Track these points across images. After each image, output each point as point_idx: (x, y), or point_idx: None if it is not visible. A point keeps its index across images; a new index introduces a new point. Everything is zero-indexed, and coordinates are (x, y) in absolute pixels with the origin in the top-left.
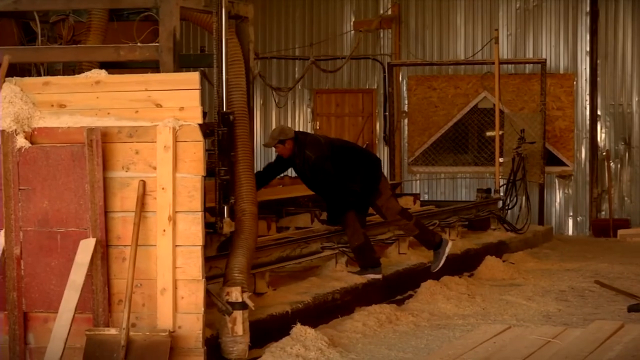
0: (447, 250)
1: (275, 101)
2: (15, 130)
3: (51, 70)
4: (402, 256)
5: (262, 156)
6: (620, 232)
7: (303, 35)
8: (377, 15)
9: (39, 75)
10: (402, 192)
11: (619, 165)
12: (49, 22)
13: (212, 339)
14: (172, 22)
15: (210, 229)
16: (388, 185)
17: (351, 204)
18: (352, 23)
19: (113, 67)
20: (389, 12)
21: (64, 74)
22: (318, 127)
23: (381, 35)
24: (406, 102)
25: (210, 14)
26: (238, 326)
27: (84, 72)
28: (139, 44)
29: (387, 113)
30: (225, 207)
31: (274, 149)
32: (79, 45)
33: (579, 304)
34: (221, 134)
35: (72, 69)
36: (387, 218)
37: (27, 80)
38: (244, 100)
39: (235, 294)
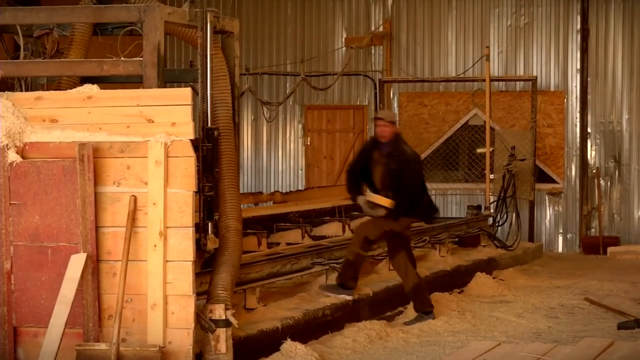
0: (424, 322)
1: (265, 117)
2: (7, 144)
3: (35, 84)
4: (392, 272)
5: (252, 172)
6: (610, 249)
7: (295, 51)
8: (368, 31)
9: (22, 89)
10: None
11: (608, 183)
12: (33, 36)
13: (199, 355)
14: (156, 36)
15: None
16: None
17: (415, 211)
18: (343, 39)
19: (95, 81)
20: (381, 28)
21: (47, 89)
22: (309, 143)
23: (372, 51)
24: (398, 118)
25: (195, 29)
26: (221, 344)
27: (62, 87)
28: (122, 59)
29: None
30: (210, 224)
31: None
32: (62, 60)
33: (568, 321)
34: (205, 150)
35: (54, 83)
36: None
37: (19, 94)
38: (229, 115)
39: (219, 312)
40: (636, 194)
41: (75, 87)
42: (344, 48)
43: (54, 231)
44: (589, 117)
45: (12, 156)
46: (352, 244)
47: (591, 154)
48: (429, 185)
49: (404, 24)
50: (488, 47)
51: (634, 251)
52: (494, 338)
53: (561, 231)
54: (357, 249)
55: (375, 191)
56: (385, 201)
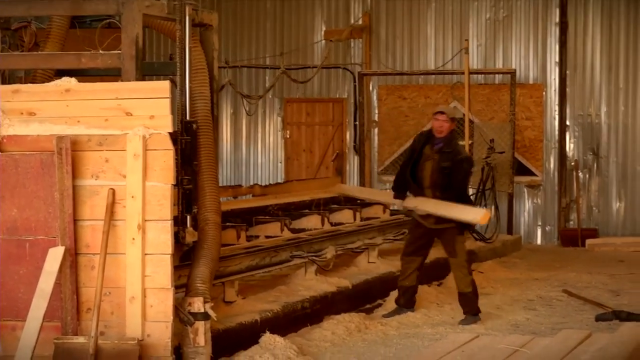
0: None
1: (245, 109)
2: None
3: (12, 77)
4: (371, 265)
5: (232, 165)
6: (588, 241)
7: (274, 44)
8: (347, 25)
9: (2, 81)
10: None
11: (587, 175)
12: (11, 29)
13: (177, 348)
14: (134, 29)
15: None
16: None
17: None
18: (322, 32)
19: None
20: (360, 21)
21: (25, 81)
22: (288, 136)
23: (352, 44)
24: (376, 111)
25: (173, 22)
26: (200, 337)
27: (37, 80)
28: (101, 52)
29: (357, 122)
30: (188, 217)
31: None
32: (40, 53)
33: (547, 313)
34: (184, 143)
35: (29, 76)
36: (457, 256)
37: None
38: (207, 108)
39: (198, 305)
40: (614, 187)
41: (50, 80)
42: (323, 41)
43: (32, 224)
44: (568, 110)
45: None
46: (463, 276)
47: (570, 146)
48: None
49: (383, 17)
50: (467, 40)
51: (612, 243)
52: (473, 330)
53: (540, 224)
54: (469, 277)
55: (421, 188)
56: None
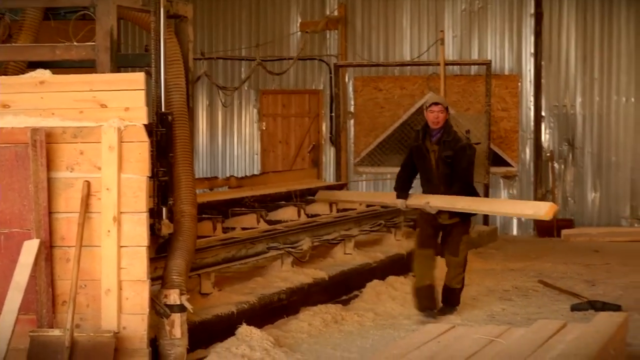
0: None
1: (221, 101)
2: None
3: None
4: (347, 256)
5: (208, 157)
6: (564, 232)
7: (249, 35)
8: (323, 16)
9: None
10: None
11: (562, 166)
12: None
13: (154, 341)
14: (109, 21)
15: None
16: None
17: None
18: (298, 24)
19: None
20: (335, 13)
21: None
22: (264, 128)
23: (327, 36)
24: (352, 103)
25: (148, 13)
26: (176, 329)
27: (9, 72)
28: (75, 43)
29: (333, 114)
30: (164, 209)
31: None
32: (13, 45)
33: (522, 304)
34: (159, 135)
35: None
36: (459, 256)
37: None
38: (183, 100)
39: (174, 297)
40: (589, 177)
41: (22, 72)
42: (298, 33)
43: (7, 217)
44: (543, 101)
45: None
46: (459, 273)
47: (545, 137)
48: (384, 170)
49: (358, 8)
50: (442, 31)
51: (588, 233)
52: (449, 321)
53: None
54: (463, 275)
55: (431, 182)
56: (421, 203)
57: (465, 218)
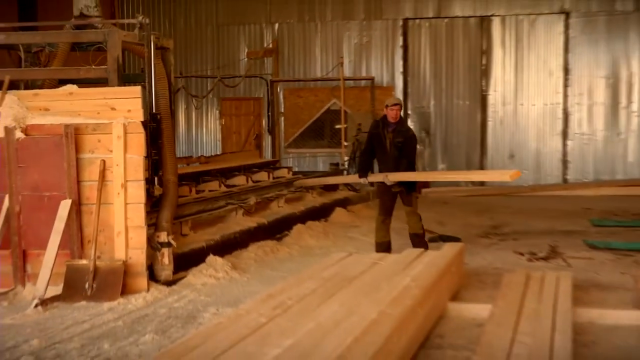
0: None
1: (194, 105)
2: (14, 126)
3: (33, 84)
4: (280, 208)
5: (185, 142)
6: (423, 190)
7: (213, 60)
8: (262, 47)
9: (25, 87)
10: (280, 166)
11: (422, 147)
12: (31, 52)
13: (152, 267)
14: (116, 51)
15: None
16: None
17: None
18: (245, 52)
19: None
20: (270, 45)
21: (42, 88)
22: (223, 123)
23: (265, 61)
24: (282, 106)
25: (142, 46)
26: (165, 258)
27: (45, 86)
28: (93, 67)
29: (269, 113)
30: (156, 178)
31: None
32: (51, 68)
33: (396, 238)
34: (151, 128)
35: (38, 84)
36: (412, 207)
37: (22, 92)
38: (167, 105)
39: (163, 237)
40: (439, 154)
41: (56, 87)
42: (246, 59)
43: (49, 185)
44: (409, 104)
45: (18, 134)
46: (419, 219)
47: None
48: (304, 151)
49: (285, 42)
50: (342, 57)
51: (439, 191)
52: (347, 250)
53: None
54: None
55: (386, 161)
56: (380, 178)
57: (411, 185)
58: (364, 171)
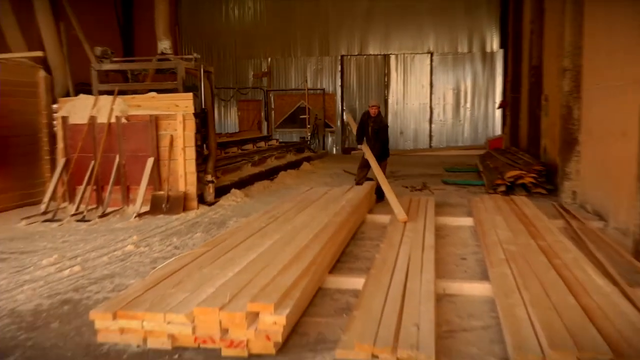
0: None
1: (223, 104)
2: (121, 116)
3: (136, 92)
4: (272, 162)
5: (219, 126)
6: (352, 152)
7: (235, 78)
8: (261, 70)
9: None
10: (272, 138)
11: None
12: (135, 74)
13: (200, 195)
14: (182, 73)
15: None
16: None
17: (386, 153)
18: (252, 74)
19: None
20: (266, 70)
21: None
22: (239, 114)
23: (263, 80)
24: (273, 105)
25: (196, 70)
26: (210, 189)
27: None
28: (168, 82)
29: (266, 109)
30: (204, 145)
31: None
32: (146, 82)
33: (337, 180)
34: (201, 117)
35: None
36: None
37: (126, 97)
38: (210, 104)
39: (209, 177)
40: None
41: (145, 93)
42: (252, 78)
43: (141, 149)
44: (344, 104)
45: (124, 120)
46: (383, 173)
47: (338, 116)
48: (285, 130)
49: (275, 68)
50: (306, 77)
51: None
52: (310, 185)
53: (336, 146)
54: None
55: (369, 140)
56: (367, 148)
57: (381, 156)
58: (360, 140)
